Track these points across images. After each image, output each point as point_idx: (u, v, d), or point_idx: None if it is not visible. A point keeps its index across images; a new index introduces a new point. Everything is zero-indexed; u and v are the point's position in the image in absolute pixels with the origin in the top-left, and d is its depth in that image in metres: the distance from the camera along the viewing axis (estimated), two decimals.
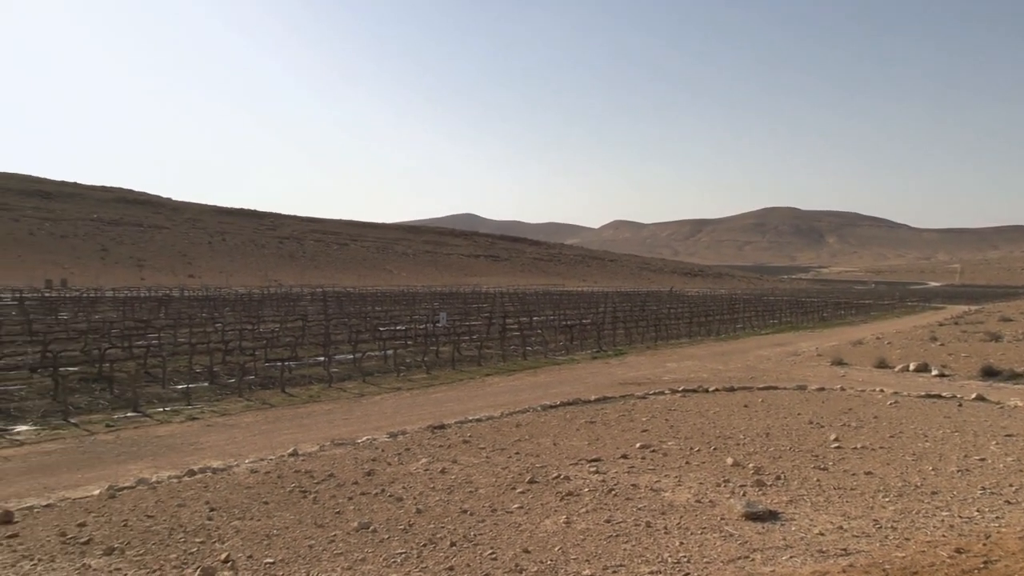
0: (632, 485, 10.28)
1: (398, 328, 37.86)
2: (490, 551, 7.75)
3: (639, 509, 9.20)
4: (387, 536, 8.20)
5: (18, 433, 14.86)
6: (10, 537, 8.21)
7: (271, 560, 7.49)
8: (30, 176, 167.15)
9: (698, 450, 12.61)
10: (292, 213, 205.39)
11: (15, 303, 49.18)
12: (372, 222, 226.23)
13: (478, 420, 15.65)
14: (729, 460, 11.70)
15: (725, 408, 17.00)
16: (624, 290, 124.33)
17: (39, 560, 7.52)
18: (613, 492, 9.92)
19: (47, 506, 9.54)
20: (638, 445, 12.83)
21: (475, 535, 8.25)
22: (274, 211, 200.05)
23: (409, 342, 30.80)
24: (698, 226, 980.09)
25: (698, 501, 9.57)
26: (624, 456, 12.10)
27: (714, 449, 12.70)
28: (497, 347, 30.64)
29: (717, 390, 19.90)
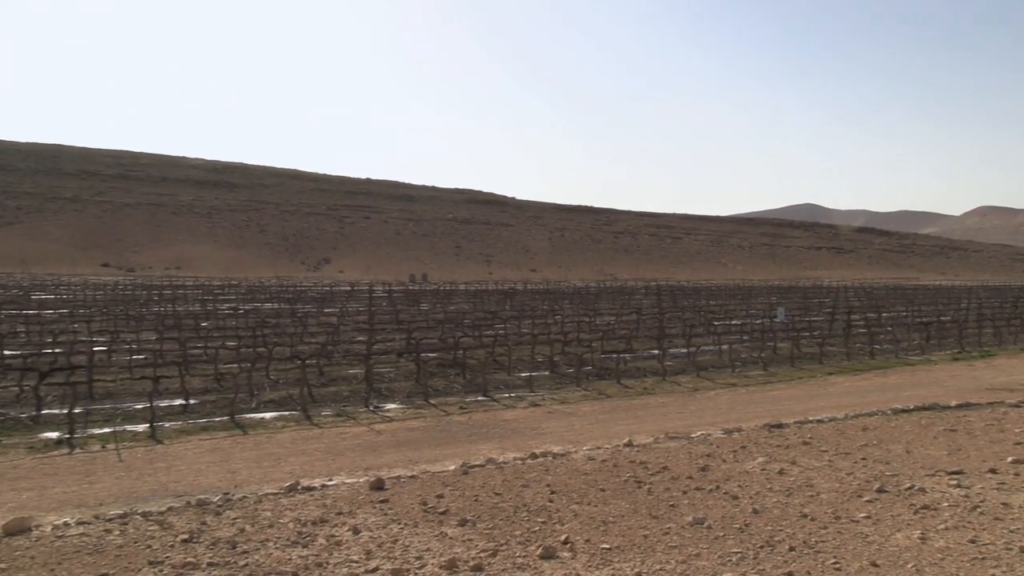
0: (1003, 504, 9.10)
1: (733, 323, 37.04)
2: (833, 560, 7.29)
3: (1012, 532, 8.12)
4: (722, 534, 8.05)
5: (388, 410, 16.73)
6: (382, 502, 9.25)
7: (607, 546, 7.69)
8: (397, 182, 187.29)
9: None
10: (627, 208, 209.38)
11: (385, 295, 55.42)
12: (706, 215, 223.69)
13: (819, 421, 14.82)
14: None
15: None
16: (992, 284, 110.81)
17: (405, 524, 8.40)
18: (979, 510, 8.86)
19: (411, 477, 10.62)
20: (1010, 459, 11.33)
21: (816, 541, 7.81)
22: (610, 207, 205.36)
23: (745, 337, 30.02)
24: None
25: None
26: (993, 470, 10.75)
27: None
28: (841, 345, 28.81)
29: None
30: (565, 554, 7.48)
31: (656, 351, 25.15)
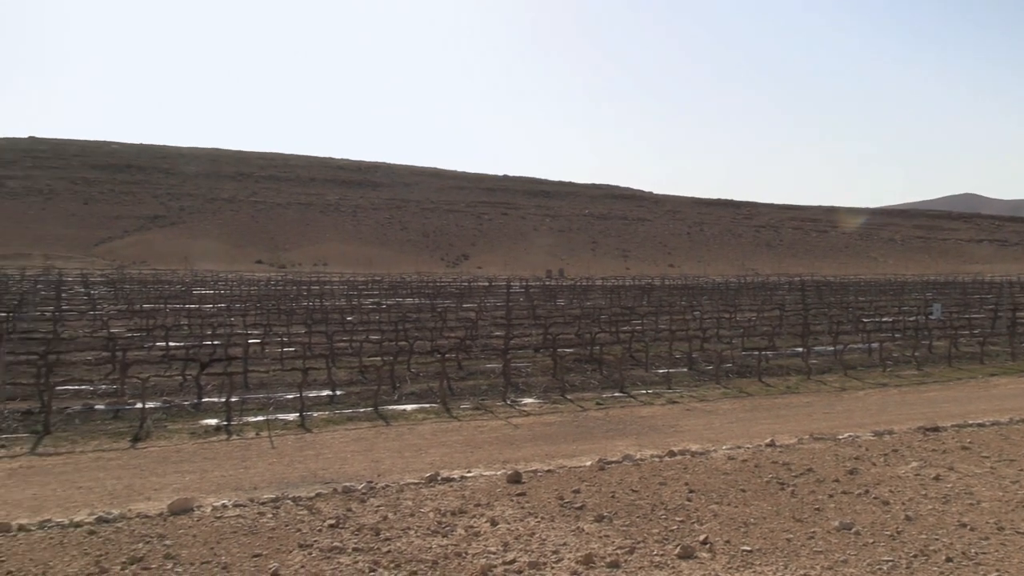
0: None
1: (884, 320, 35.32)
2: (995, 573, 6.84)
3: None
4: (871, 540, 7.69)
5: (525, 405, 16.88)
6: (519, 495, 9.35)
7: (748, 548, 7.49)
8: (534, 178, 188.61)
9: None
10: (769, 201, 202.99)
11: (522, 291, 55.95)
12: (854, 207, 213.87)
13: (980, 425, 13.92)
14: None
15: None
16: None
17: (542, 518, 8.45)
18: None
19: (548, 471, 10.69)
20: None
21: (976, 553, 7.34)
22: (751, 200, 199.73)
23: (897, 335, 28.55)
24: None
25: None
26: None
27: None
28: (1005, 344, 26.94)
29: None
30: (704, 554, 7.34)
31: (800, 348, 24.27)
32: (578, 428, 14.59)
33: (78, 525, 8.28)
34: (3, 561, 7.15)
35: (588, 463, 11.16)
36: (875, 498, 9.12)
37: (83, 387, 17.54)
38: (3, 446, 12.57)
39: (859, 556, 7.26)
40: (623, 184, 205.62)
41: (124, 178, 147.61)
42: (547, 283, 72.02)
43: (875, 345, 24.81)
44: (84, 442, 12.94)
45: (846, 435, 13.02)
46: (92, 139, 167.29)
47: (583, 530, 8.05)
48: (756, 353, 21.97)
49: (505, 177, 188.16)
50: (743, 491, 9.47)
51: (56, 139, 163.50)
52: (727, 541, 7.68)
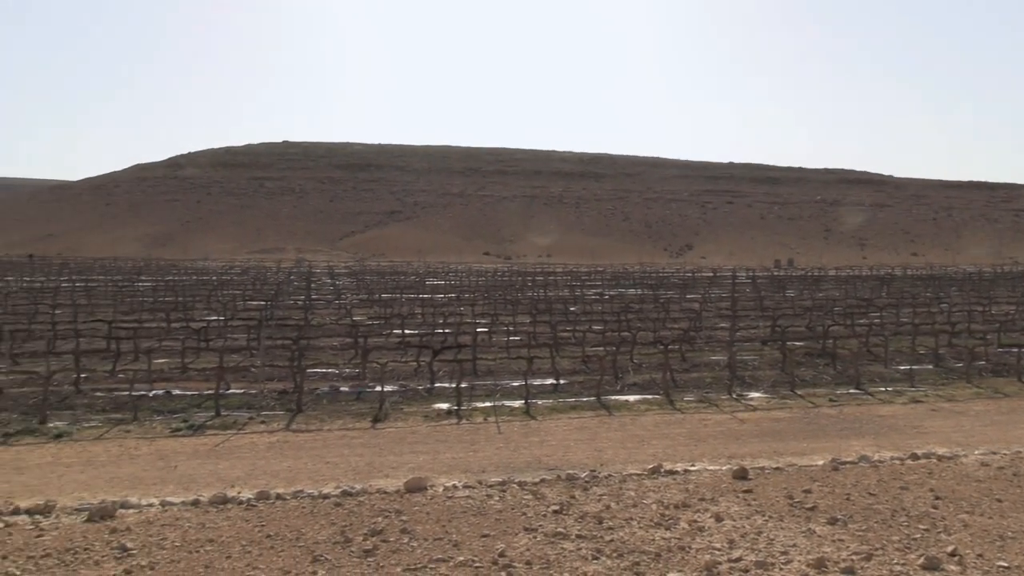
0: None
1: None
2: None
3: None
4: None
5: (751, 399, 16.34)
6: (745, 492, 9.07)
7: (1004, 564, 6.82)
8: (760, 164, 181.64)
9: None
10: None
11: (748, 281, 54.18)
12: None
13: None
14: None
15: None
16: None
17: (769, 517, 8.15)
18: None
19: (776, 469, 10.29)
20: None
21: None
22: (1010, 181, 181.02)
23: None
24: None
25: None
26: None
27: None
28: None
29: None
30: (952, 567, 6.77)
31: None
32: (809, 425, 13.93)
33: (326, 497, 8.99)
34: (264, 525, 7.92)
35: (820, 462, 10.63)
36: None
37: (329, 370, 18.99)
38: (263, 422, 13.90)
39: None
40: (858, 168, 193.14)
41: (365, 176, 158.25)
42: (775, 273, 69.28)
43: None
44: (331, 421, 14.03)
45: None
46: (337, 141, 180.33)
47: (814, 532, 7.68)
48: (1015, 350, 19.90)
49: (730, 164, 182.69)
50: (999, 501, 8.64)
51: (306, 142, 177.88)
52: (979, 555, 7.04)
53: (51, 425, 13.33)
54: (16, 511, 8.39)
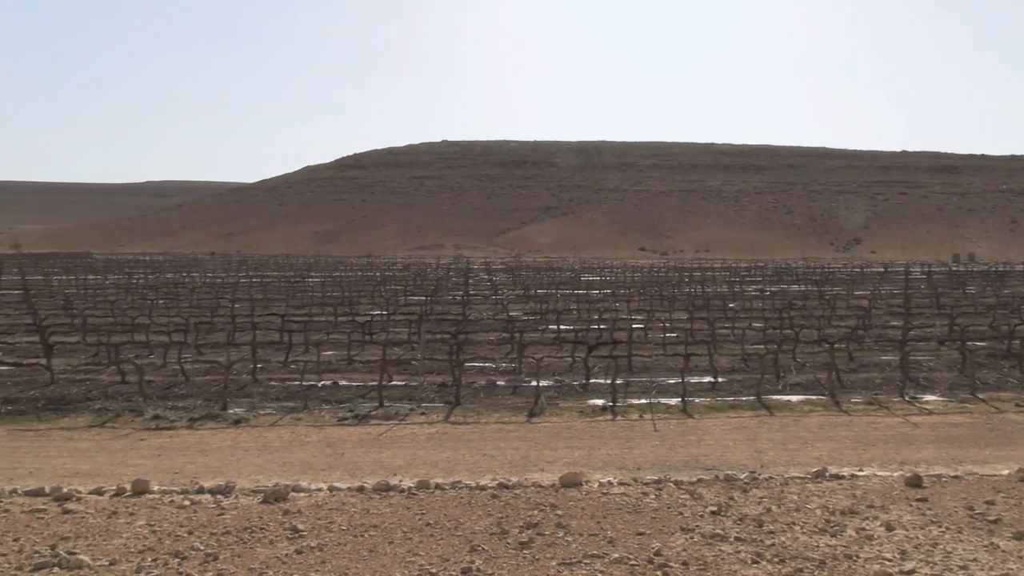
0: None
1: None
2: None
3: None
4: None
5: (926, 402, 15.37)
6: (919, 500, 8.54)
7: None
8: (937, 152, 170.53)
9: None
10: None
11: (924, 276, 51.02)
12: None
13: None
14: None
15: None
16: None
17: (947, 528, 7.64)
18: None
19: (954, 477, 9.63)
20: None
21: None
22: None
23: None
24: None
25: None
26: None
27: None
28: None
29: None
30: None
31: None
32: (992, 432, 12.95)
33: (483, 488, 9.17)
34: (424, 513, 8.17)
35: (1005, 472, 9.86)
36: None
37: (487, 364, 19.36)
38: (423, 413, 14.33)
39: None
40: None
41: (520, 173, 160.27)
42: (953, 268, 64.89)
43: None
44: (487, 414, 14.30)
45: None
46: (493, 139, 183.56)
47: (998, 547, 7.13)
48: None
49: (903, 153, 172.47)
50: None
51: (463, 141, 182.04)
52: None
53: (231, 411, 14.31)
54: (200, 490, 9.05)
